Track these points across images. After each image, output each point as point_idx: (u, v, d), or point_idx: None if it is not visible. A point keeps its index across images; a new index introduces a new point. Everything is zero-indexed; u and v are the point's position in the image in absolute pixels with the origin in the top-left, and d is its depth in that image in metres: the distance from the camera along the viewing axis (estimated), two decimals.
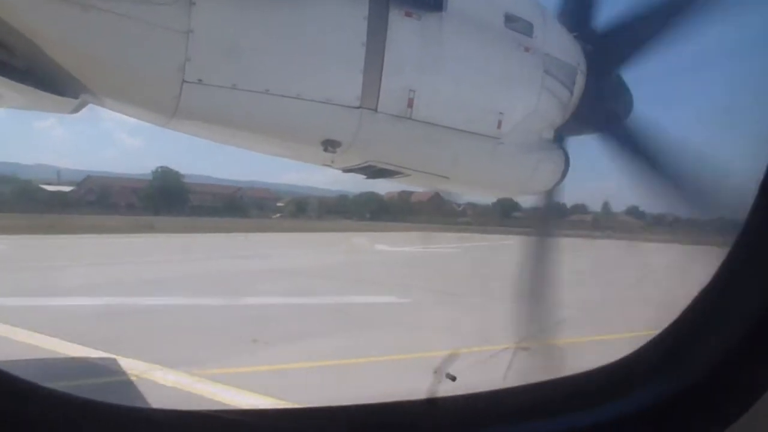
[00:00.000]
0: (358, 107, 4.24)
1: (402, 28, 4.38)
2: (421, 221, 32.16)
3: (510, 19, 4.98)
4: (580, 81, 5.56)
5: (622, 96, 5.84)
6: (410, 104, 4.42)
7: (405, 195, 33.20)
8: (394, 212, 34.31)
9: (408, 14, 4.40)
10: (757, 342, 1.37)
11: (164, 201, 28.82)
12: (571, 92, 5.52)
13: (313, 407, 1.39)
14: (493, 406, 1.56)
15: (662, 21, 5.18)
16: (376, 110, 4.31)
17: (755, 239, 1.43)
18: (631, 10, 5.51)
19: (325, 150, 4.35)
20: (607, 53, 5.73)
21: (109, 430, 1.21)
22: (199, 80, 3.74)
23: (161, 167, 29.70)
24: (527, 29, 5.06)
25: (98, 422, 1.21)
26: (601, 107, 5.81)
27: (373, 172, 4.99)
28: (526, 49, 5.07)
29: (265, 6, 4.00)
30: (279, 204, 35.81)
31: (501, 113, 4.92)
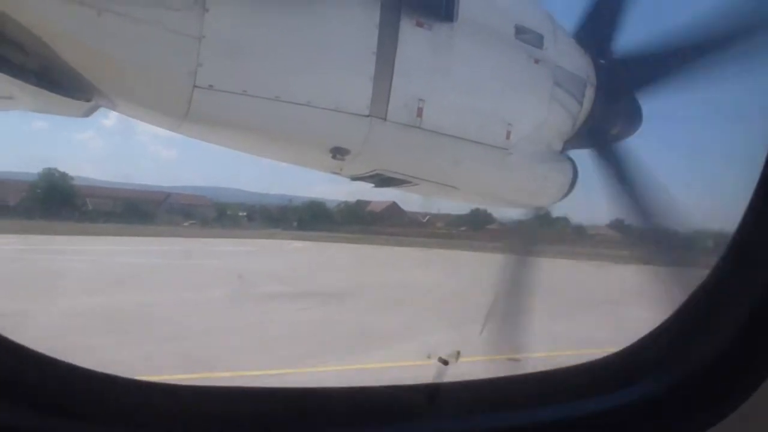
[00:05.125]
0: (367, 115, 4.25)
1: (413, 37, 4.40)
2: (371, 231, 31.35)
3: (520, 31, 4.99)
4: (589, 93, 5.56)
5: (632, 120, 5.87)
6: (420, 113, 4.42)
7: (362, 204, 31.98)
8: (340, 222, 33.39)
9: (419, 24, 4.42)
10: (751, 337, 1.41)
11: (46, 204, 27.33)
12: (581, 104, 5.53)
13: (309, 388, 1.40)
14: (490, 393, 1.57)
15: (691, 60, 5.22)
16: (385, 119, 4.31)
17: (749, 238, 1.48)
18: (663, 42, 5.55)
19: (334, 157, 4.36)
20: (629, 75, 5.77)
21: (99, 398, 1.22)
22: (210, 86, 3.76)
23: (48, 168, 27.64)
24: (537, 41, 5.07)
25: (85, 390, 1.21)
26: (610, 124, 5.83)
27: (381, 180, 4.99)
28: (536, 61, 5.08)
29: (277, 13, 4.03)
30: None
31: (510, 124, 4.92)
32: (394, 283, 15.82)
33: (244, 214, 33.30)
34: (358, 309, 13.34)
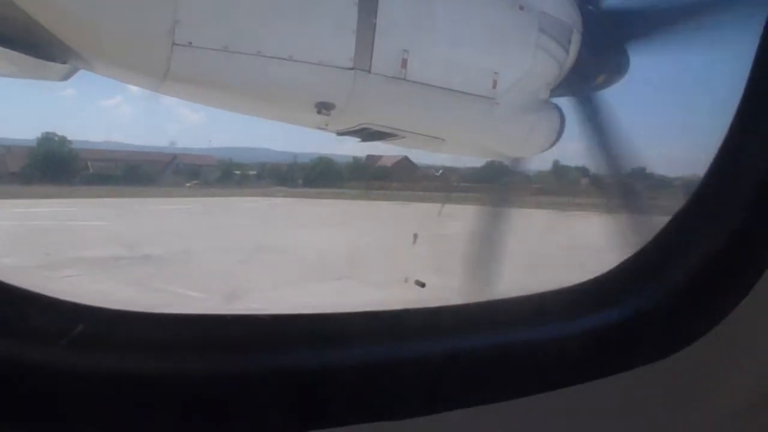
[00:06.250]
0: (351, 68, 4.20)
1: None
2: (377, 187, 30.68)
3: None
4: (576, 40, 5.50)
5: (619, 67, 5.84)
6: (404, 65, 4.37)
7: (371, 159, 31.16)
8: (348, 178, 32.54)
9: None
10: (727, 260, 1.46)
11: (47, 169, 26.75)
12: (567, 51, 5.46)
13: (294, 314, 1.42)
14: (480, 315, 1.61)
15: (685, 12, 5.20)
16: (369, 71, 4.26)
17: (726, 167, 1.51)
18: None
19: (319, 112, 4.31)
20: (622, 26, 5.72)
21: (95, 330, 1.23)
22: (190, 43, 3.69)
23: (46, 133, 26.81)
24: None
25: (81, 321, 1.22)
26: (597, 71, 5.81)
27: (368, 134, 4.96)
28: (521, 7, 5.00)
29: None
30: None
31: (496, 73, 4.87)
32: (264, 245, 15.01)
33: (254, 172, 32.74)
34: (136, 274, 11.98)
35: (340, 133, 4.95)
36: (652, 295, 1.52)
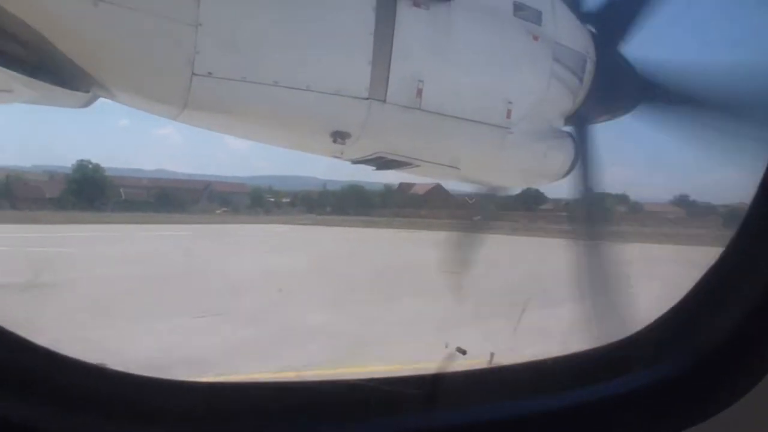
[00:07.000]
0: (366, 98, 4.24)
1: (410, 18, 4.37)
2: (403, 215, 30.43)
3: (519, 8, 4.95)
4: (589, 68, 5.53)
5: (626, 72, 5.83)
6: (419, 94, 4.41)
7: (404, 187, 30.80)
8: (378, 206, 32.17)
9: (416, 4, 4.38)
10: (759, 324, 1.39)
11: (79, 195, 27.44)
12: (581, 80, 5.49)
13: (319, 381, 1.40)
14: (497, 381, 1.58)
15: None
16: (385, 101, 4.30)
17: (758, 226, 1.46)
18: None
19: (335, 141, 4.35)
20: (605, 33, 5.75)
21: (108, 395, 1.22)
22: (209, 73, 3.75)
23: (81, 160, 27.37)
24: (536, 17, 5.03)
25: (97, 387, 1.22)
26: (612, 91, 5.81)
27: (383, 163, 4.98)
28: (535, 38, 5.04)
29: None
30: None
31: (510, 102, 4.90)
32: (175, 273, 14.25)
33: (287, 200, 32.68)
34: None
35: (355, 162, 4.98)
36: (685, 356, 1.47)
